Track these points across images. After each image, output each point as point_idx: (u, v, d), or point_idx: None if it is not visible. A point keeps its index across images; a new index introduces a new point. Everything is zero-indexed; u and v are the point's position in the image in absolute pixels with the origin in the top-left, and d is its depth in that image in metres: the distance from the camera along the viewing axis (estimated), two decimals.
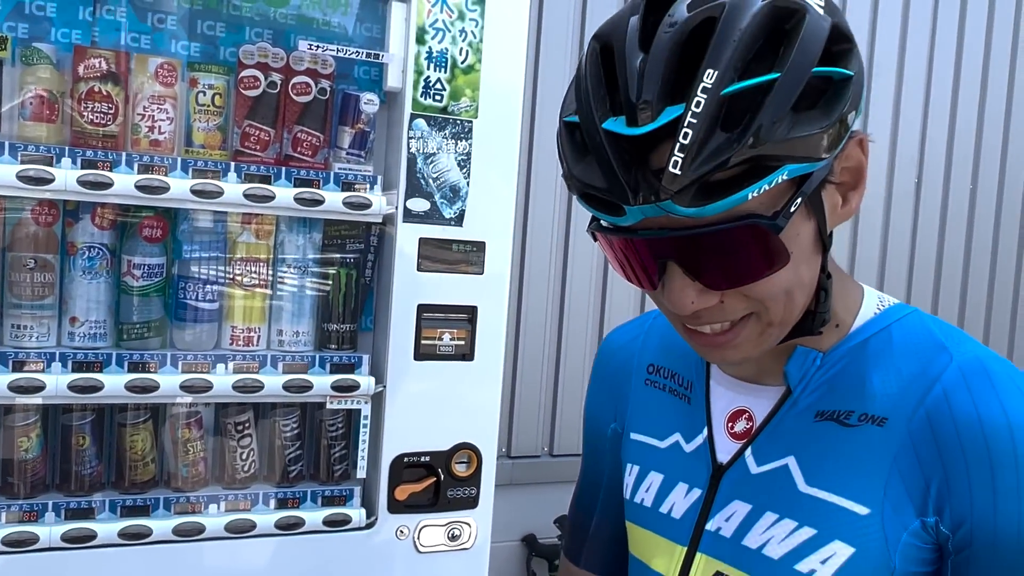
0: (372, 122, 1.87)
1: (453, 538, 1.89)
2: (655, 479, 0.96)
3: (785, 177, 0.71)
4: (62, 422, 1.74)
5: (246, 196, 1.72)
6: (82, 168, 1.62)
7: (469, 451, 1.90)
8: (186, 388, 1.71)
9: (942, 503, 0.78)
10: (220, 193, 1.70)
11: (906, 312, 0.88)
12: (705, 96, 0.68)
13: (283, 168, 1.76)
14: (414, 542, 1.87)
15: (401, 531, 1.86)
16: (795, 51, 0.70)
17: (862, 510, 0.80)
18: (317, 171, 1.79)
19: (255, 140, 1.79)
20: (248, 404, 1.85)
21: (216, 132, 1.78)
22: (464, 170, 1.84)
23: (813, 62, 0.70)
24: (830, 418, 0.84)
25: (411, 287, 1.82)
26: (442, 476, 1.87)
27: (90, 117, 1.67)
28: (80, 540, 1.66)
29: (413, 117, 1.79)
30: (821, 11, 0.72)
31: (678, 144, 0.68)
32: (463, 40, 1.82)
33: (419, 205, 1.81)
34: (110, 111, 1.68)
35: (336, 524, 1.83)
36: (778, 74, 0.69)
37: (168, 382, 1.70)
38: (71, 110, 1.67)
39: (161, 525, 1.72)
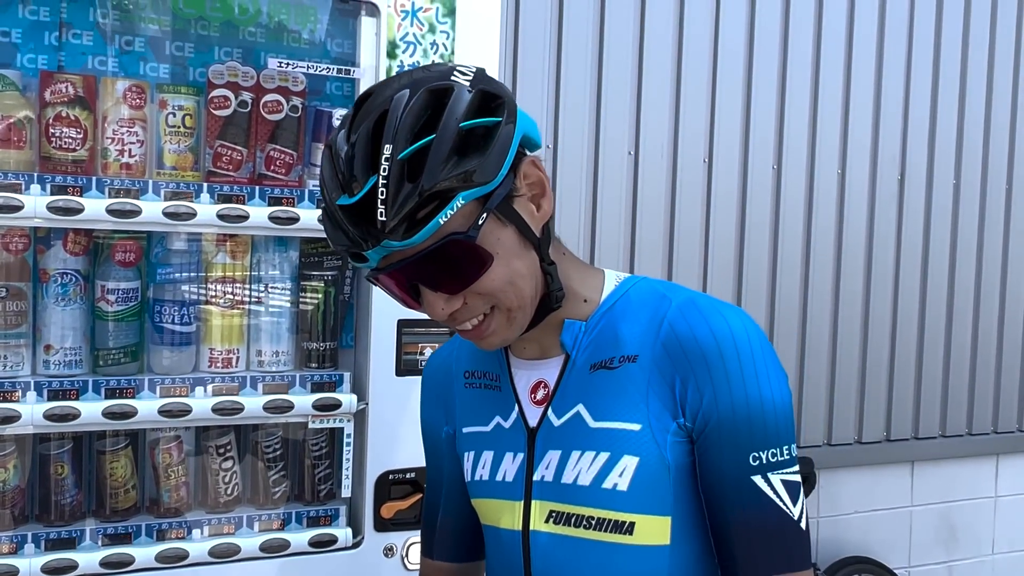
0: None
1: None
2: (487, 456, 1.16)
3: (462, 203, 0.95)
4: (39, 451, 1.72)
5: (220, 216, 1.71)
6: (52, 194, 1.60)
7: None
8: (165, 413, 1.69)
9: (684, 403, 1.03)
10: (193, 214, 1.69)
11: (637, 280, 1.13)
12: (388, 163, 0.94)
13: (256, 187, 1.75)
14: (402, 560, 1.85)
15: (389, 549, 1.84)
16: (445, 116, 0.96)
17: (635, 427, 1.04)
18: (291, 189, 1.78)
19: (227, 160, 1.77)
20: (229, 426, 1.83)
21: (187, 153, 1.77)
22: None
23: (459, 121, 0.96)
24: (600, 367, 1.08)
25: (390, 302, 1.78)
26: None
27: (58, 142, 1.65)
28: (61, 571, 1.63)
29: None
30: (468, 84, 0.99)
31: (379, 200, 0.94)
32: (434, 53, 1.81)
33: None
34: (79, 136, 1.67)
35: (322, 545, 1.81)
36: (434, 135, 0.95)
37: (146, 407, 1.68)
38: (39, 136, 1.66)
39: (144, 552, 1.70)
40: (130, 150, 1.71)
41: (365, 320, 1.83)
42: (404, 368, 1.83)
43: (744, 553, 1.01)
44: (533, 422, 1.12)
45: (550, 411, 1.10)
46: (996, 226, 3.67)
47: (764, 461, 1.00)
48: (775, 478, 1.01)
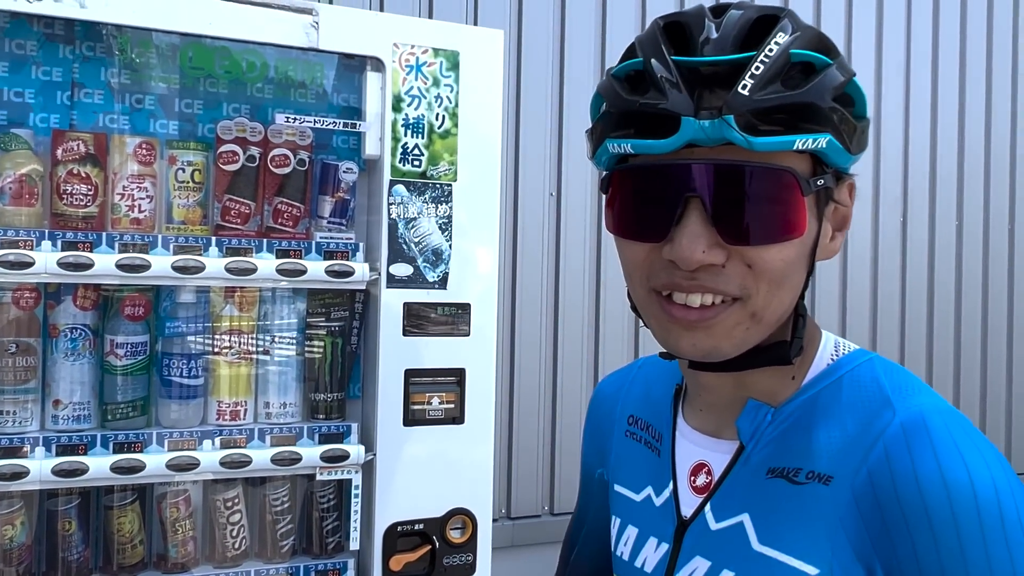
0: (352, 190, 1.88)
1: None
2: (632, 533, 0.98)
3: (824, 145, 0.77)
4: (47, 507, 1.71)
5: (228, 270, 1.72)
6: (62, 250, 1.62)
7: (464, 516, 1.86)
8: (173, 467, 1.69)
9: (890, 565, 0.76)
10: (202, 268, 1.70)
11: (860, 361, 0.88)
12: (776, 47, 0.76)
13: (264, 240, 1.76)
14: None
15: None
16: (840, 60, 0.80)
17: (811, 570, 0.79)
18: (299, 241, 1.79)
19: (236, 214, 1.79)
20: (237, 479, 1.82)
21: (196, 208, 1.79)
22: (446, 233, 1.84)
23: (850, 78, 0.80)
24: (780, 475, 0.84)
25: (397, 352, 1.81)
26: (437, 544, 1.83)
27: (69, 199, 1.68)
28: None
29: (392, 183, 1.80)
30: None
31: (750, 72, 0.75)
32: (439, 106, 1.84)
33: (402, 270, 1.81)
34: (89, 192, 1.69)
35: None
36: (833, 63, 0.78)
37: (154, 461, 1.68)
38: (50, 192, 1.68)
39: None
40: (140, 205, 1.73)
41: (372, 370, 1.84)
42: (411, 418, 1.82)
43: None
44: (687, 512, 0.92)
45: (708, 508, 0.90)
46: (1000, 263, 3.68)
47: None
48: None
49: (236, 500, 1.82)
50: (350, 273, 1.79)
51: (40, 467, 1.61)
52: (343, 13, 1.80)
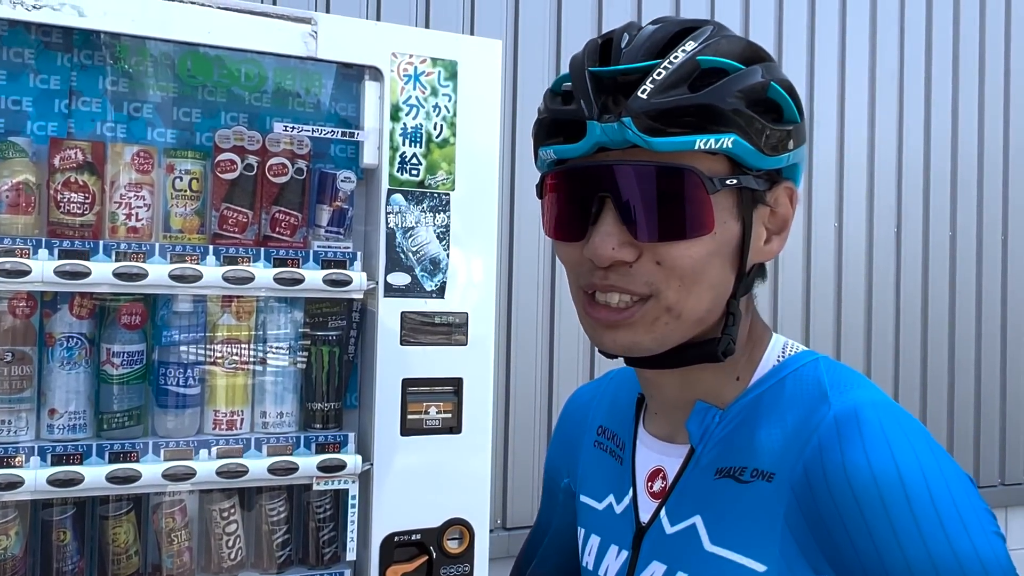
0: (350, 199, 1.88)
1: None
2: (595, 542, 1.00)
3: (729, 146, 0.80)
4: (42, 517, 1.70)
5: (225, 278, 1.71)
6: (59, 258, 1.61)
7: (461, 527, 1.86)
8: (169, 476, 1.68)
9: (832, 557, 0.78)
10: (199, 277, 1.70)
11: (805, 361, 0.90)
12: (683, 54, 0.80)
13: (262, 249, 1.76)
14: None
15: None
16: (762, 66, 0.83)
17: (759, 567, 0.81)
18: (296, 250, 1.79)
19: (233, 222, 1.79)
20: (233, 489, 1.81)
21: (194, 216, 1.78)
22: (443, 242, 1.84)
23: (771, 81, 0.83)
24: (728, 475, 0.86)
25: (395, 362, 1.81)
26: (434, 554, 1.83)
27: (67, 207, 1.67)
28: None
29: (390, 192, 1.80)
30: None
31: (650, 78, 0.79)
32: (437, 115, 1.84)
33: (400, 279, 1.81)
34: (87, 201, 1.68)
35: None
36: (744, 68, 0.81)
37: (150, 471, 1.67)
38: (48, 201, 1.68)
39: None
40: (137, 214, 1.73)
41: (369, 380, 1.83)
42: (409, 428, 1.82)
43: None
44: (645, 517, 0.94)
45: (663, 513, 0.91)
46: (994, 274, 3.69)
47: None
48: None
49: (232, 510, 1.81)
50: (348, 282, 1.79)
51: (35, 477, 1.60)
52: (342, 23, 1.81)
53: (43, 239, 1.62)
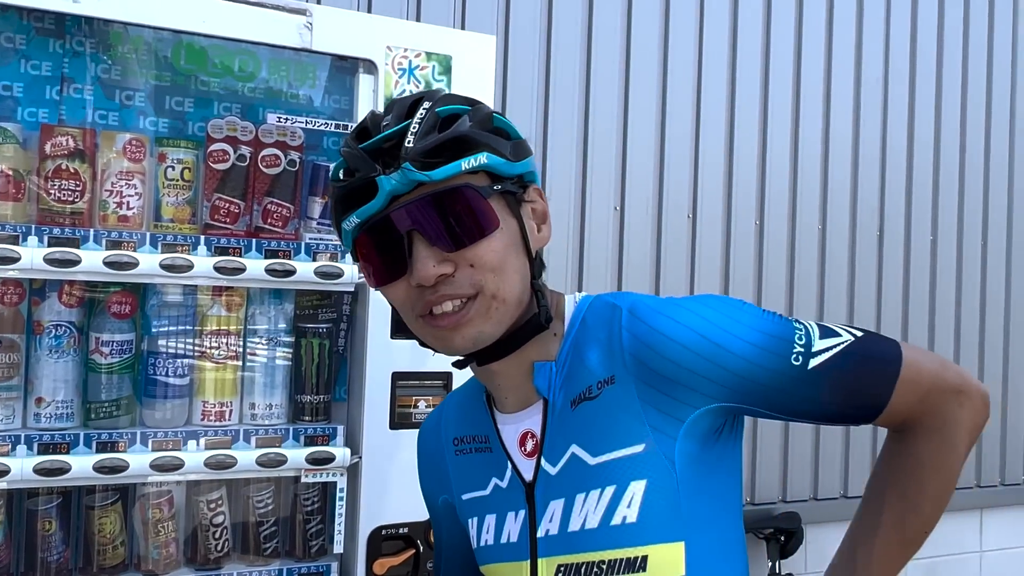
0: None
1: None
2: (490, 520, 1.13)
3: (485, 160, 1.01)
4: (27, 507, 1.69)
5: (216, 269, 1.71)
6: (49, 246, 1.60)
7: None
8: (156, 467, 1.67)
9: (689, 401, 1.00)
10: (190, 267, 1.69)
11: (590, 300, 1.12)
12: (424, 111, 1.01)
13: (253, 240, 1.76)
14: None
15: None
16: (480, 106, 1.05)
17: (639, 448, 1.00)
18: (288, 242, 1.79)
19: (225, 213, 1.78)
20: (220, 481, 1.80)
21: (185, 206, 1.77)
22: None
23: (492, 114, 1.05)
24: (581, 400, 1.05)
25: (384, 355, 1.81)
26: (421, 548, 1.83)
27: (57, 195, 1.66)
28: None
29: None
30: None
31: (410, 132, 0.99)
32: None
33: None
34: (77, 188, 1.67)
35: None
36: (471, 108, 1.04)
37: (138, 461, 1.66)
38: (37, 188, 1.66)
39: None
40: (128, 202, 1.72)
41: (359, 373, 1.83)
42: (398, 421, 1.82)
43: (859, 402, 1.01)
44: (528, 476, 1.08)
45: (543, 461, 1.07)
46: (973, 278, 3.74)
47: (801, 351, 0.99)
48: (818, 350, 0.99)
49: (220, 501, 1.81)
50: (339, 274, 1.79)
51: (22, 466, 1.58)
52: (337, 15, 1.80)
53: (33, 226, 1.60)
